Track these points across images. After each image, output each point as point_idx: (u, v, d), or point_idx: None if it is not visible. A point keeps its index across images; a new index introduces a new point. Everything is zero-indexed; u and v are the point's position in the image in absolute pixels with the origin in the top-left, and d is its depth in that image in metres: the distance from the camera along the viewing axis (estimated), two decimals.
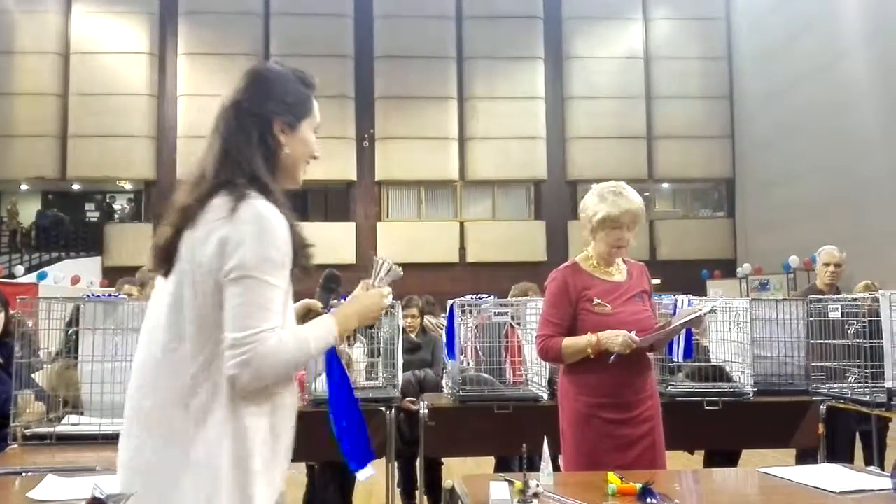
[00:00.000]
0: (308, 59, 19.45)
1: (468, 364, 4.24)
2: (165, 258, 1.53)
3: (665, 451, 2.76)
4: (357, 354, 4.14)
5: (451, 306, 4.18)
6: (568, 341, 2.68)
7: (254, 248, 1.45)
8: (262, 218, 1.47)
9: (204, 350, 1.47)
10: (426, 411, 3.93)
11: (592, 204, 2.74)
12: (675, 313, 3.71)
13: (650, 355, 2.91)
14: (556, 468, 2.50)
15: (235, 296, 1.43)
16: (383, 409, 3.91)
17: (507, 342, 4.26)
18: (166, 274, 1.53)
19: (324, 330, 1.57)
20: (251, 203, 1.48)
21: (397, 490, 4.66)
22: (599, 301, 2.71)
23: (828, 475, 2.36)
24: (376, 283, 1.75)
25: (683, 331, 3.76)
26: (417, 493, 4.63)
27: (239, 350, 1.41)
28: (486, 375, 4.11)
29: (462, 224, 19.86)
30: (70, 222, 19.55)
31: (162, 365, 1.48)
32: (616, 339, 2.59)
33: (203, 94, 19.46)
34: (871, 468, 2.94)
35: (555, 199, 20.00)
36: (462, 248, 19.57)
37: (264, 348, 1.42)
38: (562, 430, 2.74)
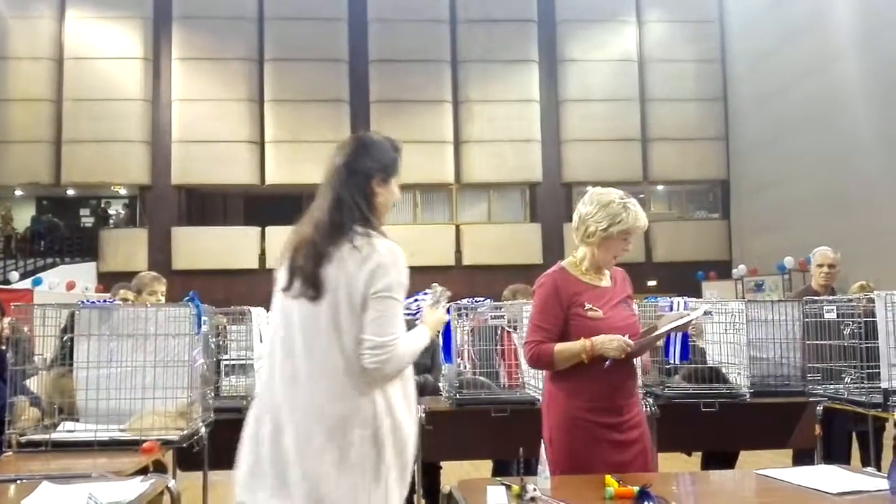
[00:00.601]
0: (302, 63, 19.49)
1: (465, 367, 4.23)
2: (313, 285, 2.03)
3: (652, 457, 2.75)
4: None
5: (448, 310, 4.17)
6: (560, 346, 2.63)
7: (394, 275, 2.02)
8: (396, 252, 2.05)
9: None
10: (423, 415, 3.92)
11: (611, 213, 2.67)
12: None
13: (641, 359, 2.90)
14: None
15: (378, 310, 1.99)
16: None
17: (502, 346, 4.25)
18: (315, 298, 2.02)
19: (423, 337, 2.20)
20: (380, 240, 2.05)
21: None
22: (591, 306, 2.67)
23: (825, 476, 2.36)
24: (436, 304, 2.33)
25: (680, 333, 3.77)
26: (416, 497, 4.62)
27: (381, 350, 1.98)
28: (482, 379, 4.11)
29: (458, 227, 19.86)
30: (65, 228, 19.51)
31: (335, 369, 2.01)
32: (612, 343, 2.57)
33: (197, 99, 19.46)
34: (868, 469, 2.95)
35: (550, 201, 20.02)
36: (458, 252, 19.57)
37: (398, 350, 2.01)
38: (549, 438, 2.65)
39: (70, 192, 20.48)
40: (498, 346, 4.25)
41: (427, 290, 2.37)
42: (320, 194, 2.12)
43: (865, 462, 4.81)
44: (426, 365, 4.85)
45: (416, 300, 2.44)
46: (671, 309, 3.94)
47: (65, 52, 19.46)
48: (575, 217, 2.79)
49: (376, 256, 2.01)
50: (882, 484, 2.21)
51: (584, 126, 20.08)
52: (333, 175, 2.12)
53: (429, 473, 4.59)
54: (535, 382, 4.02)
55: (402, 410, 2.06)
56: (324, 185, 2.13)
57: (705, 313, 3.96)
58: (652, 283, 18.28)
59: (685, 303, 3.98)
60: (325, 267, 2.02)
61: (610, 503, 2.09)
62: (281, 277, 2.11)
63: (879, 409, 3.67)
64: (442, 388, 4.37)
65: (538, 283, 2.78)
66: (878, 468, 4.26)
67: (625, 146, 20.13)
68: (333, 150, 2.17)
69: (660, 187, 21.49)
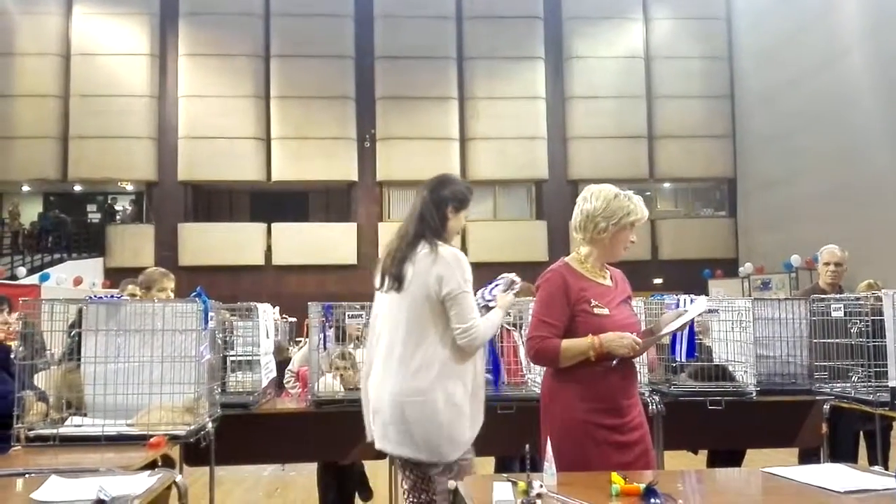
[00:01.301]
0: (309, 60, 19.50)
1: None
2: (397, 280, 2.73)
3: (654, 457, 2.73)
4: (360, 355, 4.14)
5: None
6: (567, 343, 2.59)
7: (458, 276, 2.70)
8: (457, 256, 2.75)
9: (440, 336, 2.71)
10: None
11: (619, 206, 2.67)
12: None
13: (648, 356, 2.88)
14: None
15: (456, 306, 2.68)
16: None
17: (502, 343, 4.25)
18: (398, 290, 2.73)
19: (498, 315, 2.91)
20: (444, 247, 2.74)
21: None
22: (597, 303, 2.64)
23: (831, 475, 2.35)
24: (507, 291, 3.03)
25: (686, 330, 3.76)
26: None
27: (469, 333, 2.69)
28: (487, 375, 4.11)
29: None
30: (72, 224, 19.55)
31: (416, 350, 2.69)
32: (621, 341, 2.55)
33: (204, 95, 19.50)
34: (876, 468, 2.94)
35: (556, 198, 19.99)
36: (463, 248, 19.48)
37: (480, 331, 2.71)
38: (549, 439, 2.53)
39: (77, 187, 20.55)
40: (498, 344, 4.24)
41: (500, 278, 3.09)
42: (411, 211, 2.82)
43: (872, 461, 4.79)
44: None
45: (495, 286, 3.07)
46: (677, 306, 3.92)
47: (72, 49, 19.52)
48: (578, 216, 2.74)
49: (441, 261, 2.69)
50: (889, 483, 2.20)
51: (591, 123, 20.04)
52: (420, 201, 2.81)
53: None
54: (539, 380, 4.02)
55: (466, 375, 2.74)
56: (415, 204, 2.83)
57: (710, 311, 3.95)
58: (658, 280, 18.25)
59: (692, 300, 3.96)
60: (406, 266, 2.71)
61: (616, 500, 2.09)
62: (376, 280, 2.81)
63: (887, 408, 3.66)
64: None
65: (543, 277, 2.74)
66: (886, 467, 4.25)
67: (631, 143, 20.09)
68: (422, 184, 2.86)
69: (666, 185, 21.44)
